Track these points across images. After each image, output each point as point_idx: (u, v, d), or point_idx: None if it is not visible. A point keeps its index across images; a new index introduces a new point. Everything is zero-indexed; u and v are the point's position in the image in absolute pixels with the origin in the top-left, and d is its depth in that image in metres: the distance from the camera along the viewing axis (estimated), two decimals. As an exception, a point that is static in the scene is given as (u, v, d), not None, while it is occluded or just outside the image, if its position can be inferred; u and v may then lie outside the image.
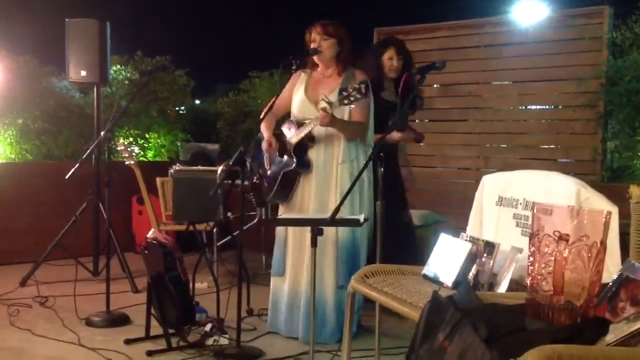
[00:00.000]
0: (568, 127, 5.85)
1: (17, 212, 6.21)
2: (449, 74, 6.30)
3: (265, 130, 4.14)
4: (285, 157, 4.08)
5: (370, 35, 7.01)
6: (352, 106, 3.83)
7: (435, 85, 6.70)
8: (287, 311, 4.13)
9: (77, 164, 4.60)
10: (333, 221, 3.15)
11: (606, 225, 1.86)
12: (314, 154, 4.04)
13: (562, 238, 1.85)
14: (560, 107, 6.04)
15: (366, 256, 4.07)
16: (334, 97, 3.77)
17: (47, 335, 4.11)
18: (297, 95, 4.17)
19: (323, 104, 3.75)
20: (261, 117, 4.13)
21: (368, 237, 4.07)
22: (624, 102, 5.20)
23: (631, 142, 5.21)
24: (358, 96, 3.60)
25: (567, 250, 1.85)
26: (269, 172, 4.19)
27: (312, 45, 4.06)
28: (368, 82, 3.69)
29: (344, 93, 3.63)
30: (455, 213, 5.36)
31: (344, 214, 3.75)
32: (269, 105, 4.08)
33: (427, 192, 6.58)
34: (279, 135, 4.16)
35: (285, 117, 4.29)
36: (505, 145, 6.37)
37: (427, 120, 6.81)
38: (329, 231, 3.92)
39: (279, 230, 4.25)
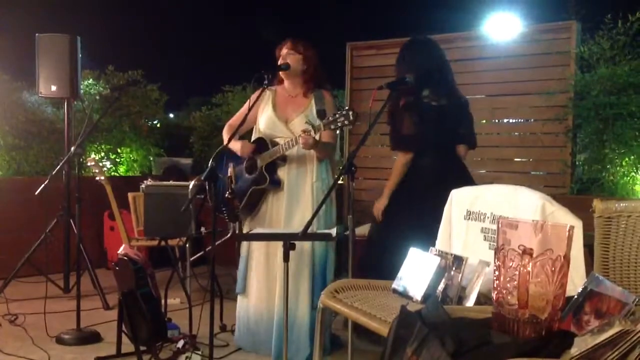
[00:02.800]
0: (538, 141, 5.93)
1: (-14, 229, 6.14)
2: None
3: (235, 142, 4.10)
4: (255, 174, 4.08)
5: (343, 50, 7.05)
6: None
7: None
8: (254, 329, 4.12)
9: (47, 180, 4.56)
10: (305, 236, 3.15)
11: (569, 239, 1.89)
12: (285, 173, 4.05)
13: (526, 252, 1.88)
14: (530, 120, 6.13)
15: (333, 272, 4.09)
16: (310, 117, 3.87)
17: (17, 354, 4.05)
18: (264, 114, 4.16)
19: (307, 127, 3.77)
20: (226, 136, 4.17)
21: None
22: (592, 116, 5.29)
23: (600, 154, 5.29)
24: (346, 122, 3.63)
25: (531, 264, 1.88)
26: (233, 187, 4.19)
27: (280, 61, 4.09)
28: (358, 113, 3.69)
29: (329, 118, 3.67)
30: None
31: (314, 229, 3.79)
32: (235, 124, 4.09)
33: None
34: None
35: (247, 133, 4.31)
36: (478, 159, 6.43)
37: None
38: (302, 249, 3.94)
39: (242, 245, 4.26)
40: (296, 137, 3.86)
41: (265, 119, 4.14)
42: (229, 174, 4.19)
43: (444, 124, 4.07)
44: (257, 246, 4.13)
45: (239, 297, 4.25)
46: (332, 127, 3.68)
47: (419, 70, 4.00)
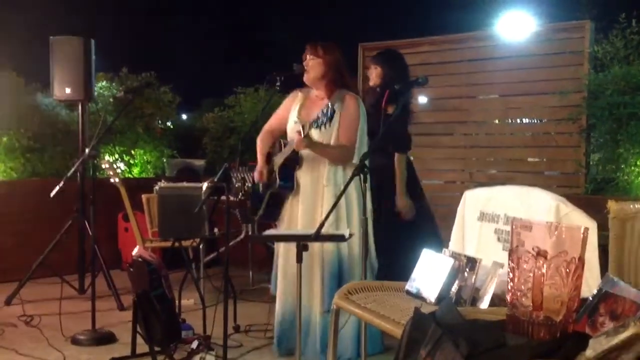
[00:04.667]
0: (552, 141, 5.91)
1: (1, 230, 6.17)
2: (434, 88, 6.36)
3: (259, 156, 4.14)
4: (272, 177, 4.08)
5: (355, 51, 7.05)
6: (337, 124, 3.83)
7: (420, 99, 6.76)
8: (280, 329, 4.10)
9: (62, 182, 4.59)
10: (318, 237, 3.15)
11: (584, 241, 1.88)
12: (302, 175, 4.03)
13: (541, 254, 1.87)
14: (544, 120, 6.11)
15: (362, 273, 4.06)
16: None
17: (33, 355, 4.08)
18: (291, 116, 4.14)
19: (299, 127, 3.77)
20: (259, 144, 4.18)
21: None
22: (606, 116, 5.26)
23: (614, 154, 5.26)
24: (324, 119, 3.61)
25: (545, 266, 1.87)
26: (261, 191, 4.20)
27: (305, 66, 4.06)
28: (334, 107, 3.69)
29: (317, 117, 3.67)
30: (440, 226, 5.36)
31: (328, 230, 3.78)
32: (267, 130, 4.14)
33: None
34: (271, 155, 4.19)
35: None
36: (491, 159, 6.42)
37: (412, 135, 6.83)
38: (316, 253, 3.93)
39: (276, 247, 4.26)
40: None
41: (290, 122, 4.12)
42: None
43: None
44: (284, 247, 4.11)
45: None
46: (315, 126, 3.67)
47: (405, 78, 4.49)
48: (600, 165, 5.52)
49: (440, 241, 4.48)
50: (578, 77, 5.57)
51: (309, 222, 3.96)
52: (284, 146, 4.03)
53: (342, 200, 3.92)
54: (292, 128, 4.09)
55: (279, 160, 4.02)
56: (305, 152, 3.96)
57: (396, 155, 4.51)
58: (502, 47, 6.21)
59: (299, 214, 4.02)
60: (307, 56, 4.05)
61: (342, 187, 3.91)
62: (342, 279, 3.96)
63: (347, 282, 3.93)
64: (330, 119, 3.63)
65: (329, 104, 3.67)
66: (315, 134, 3.89)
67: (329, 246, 3.94)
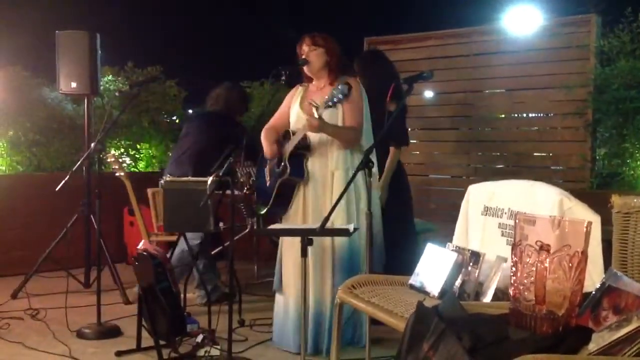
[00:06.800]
0: (557, 135, 5.90)
1: (7, 224, 6.19)
2: (439, 83, 6.36)
3: (264, 141, 4.13)
4: (281, 166, 4.08)
5: (360, 45, 7.05)
6: (342, 108, 3.86)
7: (426, 93, 6.76)
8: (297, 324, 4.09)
9: (68, 176, 4.60)
10: (323, 231, 3.15)
11: (587, 235, 1.88)
12: (310, 162, 4.03)
13: (543, 248, 1.87)
14: (549, 115, 6.10)
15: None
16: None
17: (38, 348, 4.10)
18: (293, 109, 4.17)
19: (304, 115, 3.77)
20: (264, 141, 4.16)
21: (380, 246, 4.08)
22: (612, 110, 5.24)
23: (620, 149, 5.25)
24: (340, 96, 3.61)
25: (548, 260, 1.87)
26: (268, 184, 4.18)
27: (306, 58, 4.08)
28: (351, 85, 3.72)
29: (326, 96, 3.68)
30: (445, 221, 5.36)
31: (339, 223, 3.78)
32: (273, 125, 4.16)
33: (416, 201, 6.58)
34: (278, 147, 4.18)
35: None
36: (497, 154, 6.41)
37: (417, 129, 6.85)
38: (326, 241, 3.93)
39: (279, 242, 4.24)
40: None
41: (293, 115, 4.15)
42: (265, 172, 4.19)
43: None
44: (289, 242, 4.10)
45: (276, 295, 4.22)
46: (330, 104, 3.67)
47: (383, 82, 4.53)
48: (606, 160, 5.52)
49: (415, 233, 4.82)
50: (584, 72, 5.56)
51: (320, 210, 3.95)
52: (293, 135, 4.02)
53: (352, 196, 3.94)
54: (296, 120, 4.12)
55: (288, 148, 4.01)
56: (315, 138, 3.97)
57: (392, 149, 4.58)
58: (508, 41, 6.19)
59: (309, 202, 4.02)
60: (305, 48, 4.08)
61: (350, 172, 3.90)
62: (352, 271, 3.97)
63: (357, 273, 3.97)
64: (346, 95, 3.64)
65: (339, 85, 3.66)
66: (326, 114, 3.87)
67: (340, 240, 3.95)
